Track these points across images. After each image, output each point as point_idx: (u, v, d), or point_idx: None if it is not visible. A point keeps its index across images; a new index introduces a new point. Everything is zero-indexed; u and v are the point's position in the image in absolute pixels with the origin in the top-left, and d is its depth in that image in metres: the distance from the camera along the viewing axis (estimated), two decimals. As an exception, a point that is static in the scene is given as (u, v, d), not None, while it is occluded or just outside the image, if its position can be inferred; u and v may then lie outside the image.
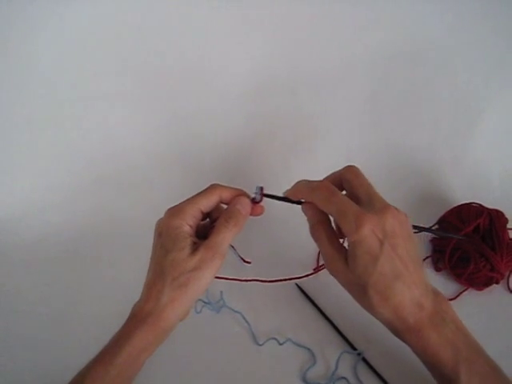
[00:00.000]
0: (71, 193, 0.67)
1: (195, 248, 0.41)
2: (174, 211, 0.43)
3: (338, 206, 0.40)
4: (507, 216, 0.59)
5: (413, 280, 0.40)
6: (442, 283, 0.58)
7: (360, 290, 0.40)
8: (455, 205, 0.63)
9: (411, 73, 0.67)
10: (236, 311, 0.54)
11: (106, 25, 0.58)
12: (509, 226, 0.59)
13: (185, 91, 0.65)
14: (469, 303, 0.55)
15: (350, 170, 0.44)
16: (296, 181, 0.46)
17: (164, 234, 0.42)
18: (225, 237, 0.42)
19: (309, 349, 0.51)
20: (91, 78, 0.61)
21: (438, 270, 0.60)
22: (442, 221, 0.62)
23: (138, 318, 0.41)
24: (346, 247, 0.42)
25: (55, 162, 0.67)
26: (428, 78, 0.68)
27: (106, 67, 0.61)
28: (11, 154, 0.65)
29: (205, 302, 0.55)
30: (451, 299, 0.56)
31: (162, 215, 0.44)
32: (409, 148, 0.72)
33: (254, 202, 0.45)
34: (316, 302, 0.56)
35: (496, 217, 0.58)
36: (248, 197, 0.45)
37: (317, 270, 0.59)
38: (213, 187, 0.45)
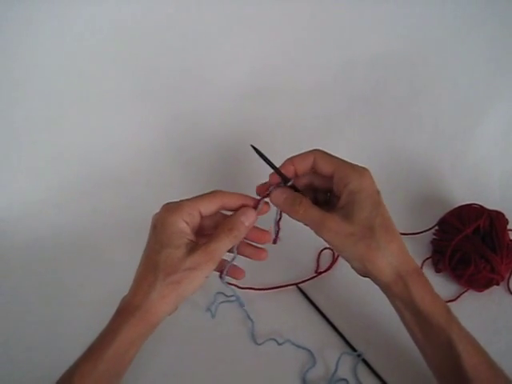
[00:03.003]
0: (70, 193, 0.67)
1: (191, 248, 0.41)
2: (171, 207, 0.43)
3: (338, 160, 0.44)
4: (507, 217, 0.59)
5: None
6: (442, 284, 0.58)
7: (365, 236, 0.41)
8: (456, 206, 0.62)
9: (411, 75, 0.67)
10: (243, 308, 0.54)
11: (105, 26, 0.58)
12: (509, 227, 0.59)
13: (185, 92, 0.65)
14: (469, 304, 0.55)
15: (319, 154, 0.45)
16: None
17: (159, 229, 0.42)
18: (224, 245, 0.42)
19: (309, 350, 0.51)
20: (91, 78, 0.61)
21: (438, 271, 0.59)
22: (442, 222, 0.62)
23: (125, 312, 0.40)
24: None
25: (54, 163, 0.66)
26: (428, 79, 0.68)
27: (107, 68, 0.61)
28: (10, 155, 0.65)
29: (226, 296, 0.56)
30: (451, 300, 0.56)
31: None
32: (409, 149, 0.72)
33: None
34: (316, 303, 0.56)
35: (496, 218, 0.58)
36: (253, 207, 0.44)
37: (318, 273, 0.59)
38: (215, 192, 0.44)
